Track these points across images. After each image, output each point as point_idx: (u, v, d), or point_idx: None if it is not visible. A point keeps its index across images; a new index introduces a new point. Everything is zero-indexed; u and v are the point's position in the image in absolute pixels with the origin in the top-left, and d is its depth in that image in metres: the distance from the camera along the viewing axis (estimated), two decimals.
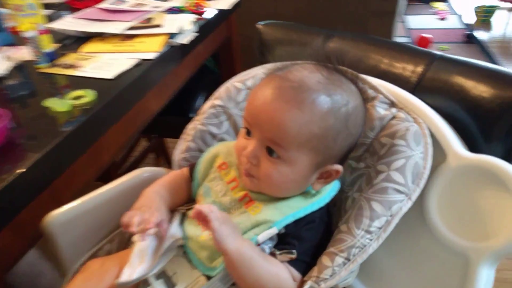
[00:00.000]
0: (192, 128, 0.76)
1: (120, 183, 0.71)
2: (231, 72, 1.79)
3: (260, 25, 0.92)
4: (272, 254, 0.56)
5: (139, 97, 1.03)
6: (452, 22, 3.35)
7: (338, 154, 0.57)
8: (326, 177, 0.58)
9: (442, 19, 3.40)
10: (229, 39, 1.65)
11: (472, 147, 0.60)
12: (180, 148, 0.76)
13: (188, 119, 1.55)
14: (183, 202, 0.69)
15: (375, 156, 0.62)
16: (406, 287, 0.61)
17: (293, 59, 0.84)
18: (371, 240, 0.54)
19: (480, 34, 3.17)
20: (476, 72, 0.64)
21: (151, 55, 1.06)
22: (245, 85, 0.76)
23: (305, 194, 0.59)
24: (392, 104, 0.64)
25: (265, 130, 0.54)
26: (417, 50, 0.74)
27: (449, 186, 0.58)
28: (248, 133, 0.58)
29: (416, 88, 0.69)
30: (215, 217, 0.50)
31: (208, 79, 1.75)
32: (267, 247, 0.56)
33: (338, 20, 2.08)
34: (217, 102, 0.75)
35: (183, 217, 0.66)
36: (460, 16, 3.43)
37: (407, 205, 0.55)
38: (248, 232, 0.56)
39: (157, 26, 1.17)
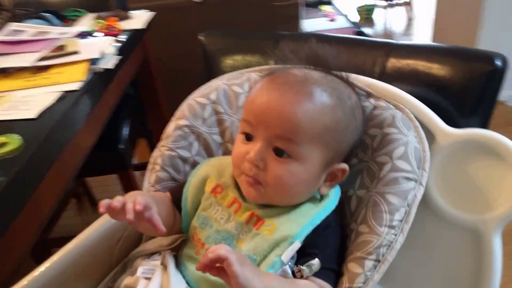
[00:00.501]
0: (159, 155, 0.67)
1: (81, 241, 0.58)
2: (153, 94, 1.70)
3: (202, 36, 0.86)
4: (297, 271, 0.51)
5: (72, 133, 0.89)
6: (341, 22, 3.63)
7: (345, 150, 0.55)
8: (331, 179, 0.56)
9: (332, 20, 3.67)
10: (147, 59, 1.55)
11: (450, 125, 0.62)
12: (149, 181, 0.66)
13: (117, 151, 1.43)
14: (168, 225, 0.58)
15: (368, 149, 0.60)
16: (422, 277, 0.61)
17: (246, 66, 0.80)
18: (395, 235, 0.52)
19: (366, 30, 3.49)
20: (436, 53, 0.67)
21: (75, 85, 0.94)
22: (209, 99, 0.69)
23: (313, 200, 0.55)
24: (368, 95, 0.64)
25: (273, 127, 0.50)
26: (372, 42, 0.75)
27: (444, 164, 0.59)
28: (248, 137, 0.53)
29: (381, 78, 0.70)
30: (236, 259, 0.42)
31: (128, 105, 1.62)
32: (288, 267, 0.51)
33: (246, 28, 2.10)
34: (182, 122, 0.68)
35: (176, 259, 0.57)
36: (346, 16, 3.73)
37: (420, 191, 0.55)
38: (268, 256, 0.51)
39: (74, 53, 1.04)
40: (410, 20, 3.63)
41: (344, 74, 0.59)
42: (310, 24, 3.53)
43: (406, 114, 0.60)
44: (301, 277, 0.50)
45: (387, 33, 3.55)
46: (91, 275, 0.58)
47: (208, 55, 0.86)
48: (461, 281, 0.57)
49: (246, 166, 0.52)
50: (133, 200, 0.48)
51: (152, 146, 1.88)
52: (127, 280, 0.55)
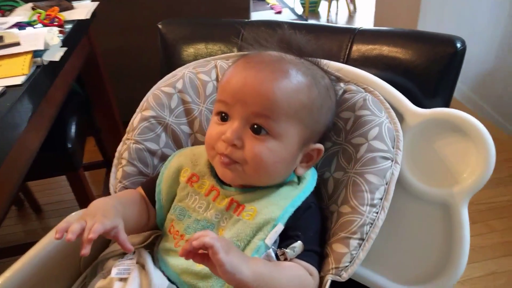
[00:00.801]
0: (125, 149, 0.63)
1: (44, 246, 0.52)
2: (101, 89, 1.61)
3: (160, 24, 0.82)
4: (280, 254, 0.50)
5: (17, 133, 0.81)
6: (287, 15, 3.68)
7: (321, 129, 0.56)
8: (307, 160, 0.56)
9: (278, 12, 3.71)
10: (93, 52, 1.46)
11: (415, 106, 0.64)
12: (116, 177, 0.62)
13: (66, 151, 1.34)
14: (141, 223, 0.56)
15: (341, 132, 0.61)
16: (395, 252, 0.62)
17: (209, 54, 0.78)
18: (377, 212, 0.53)
19: (312, 22, 3.56)
20: (400, 38, 0.69)
21: (18, 80, 0.86)
22: (175, 88, 0.66)
23: (291, 183, 0.55)
24: (338, 79, 0.64)
25: (251, 105, 0.49)
26: (335, 28, 0.76)
27: (413, 143, 0.61)
28: (224, 118, 0.52)
29: (347, 63, 0.71)
30: (221, 247, 0.41)
31: (74, 102, 1.52)
32: (272, 251, 0.50)
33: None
34: (148, 113, 0.64)
35: (153, 255, 0.54)
36: (293, 9, 3.78)
37: (396, 169, 0.56)
38: (252, 240, 0.49)
39: (15, 44, 0.95)
40: (352, 12, 3.76)
41: (315, 59, 0.59)
42: (257, 16, 3.53)
43: (376, 97, 0.61)
44: (285, 259, 0.50)
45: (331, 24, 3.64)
46: (57, 282, 0.53)
47: (168, 45, 0.82)
48: (433, 252, 0.60)
49: (221, 145, 0.51)
50: (90, 227, 0.45)
51: (102, 145, 1.78)
52: (99, 283, 0.51)
